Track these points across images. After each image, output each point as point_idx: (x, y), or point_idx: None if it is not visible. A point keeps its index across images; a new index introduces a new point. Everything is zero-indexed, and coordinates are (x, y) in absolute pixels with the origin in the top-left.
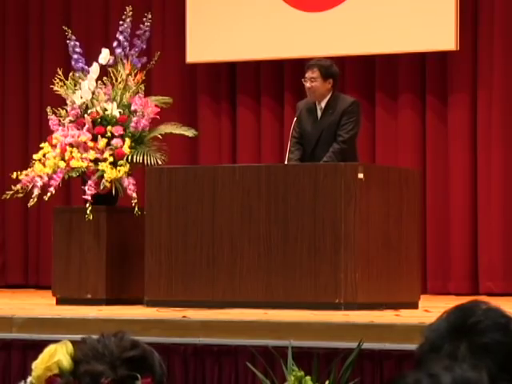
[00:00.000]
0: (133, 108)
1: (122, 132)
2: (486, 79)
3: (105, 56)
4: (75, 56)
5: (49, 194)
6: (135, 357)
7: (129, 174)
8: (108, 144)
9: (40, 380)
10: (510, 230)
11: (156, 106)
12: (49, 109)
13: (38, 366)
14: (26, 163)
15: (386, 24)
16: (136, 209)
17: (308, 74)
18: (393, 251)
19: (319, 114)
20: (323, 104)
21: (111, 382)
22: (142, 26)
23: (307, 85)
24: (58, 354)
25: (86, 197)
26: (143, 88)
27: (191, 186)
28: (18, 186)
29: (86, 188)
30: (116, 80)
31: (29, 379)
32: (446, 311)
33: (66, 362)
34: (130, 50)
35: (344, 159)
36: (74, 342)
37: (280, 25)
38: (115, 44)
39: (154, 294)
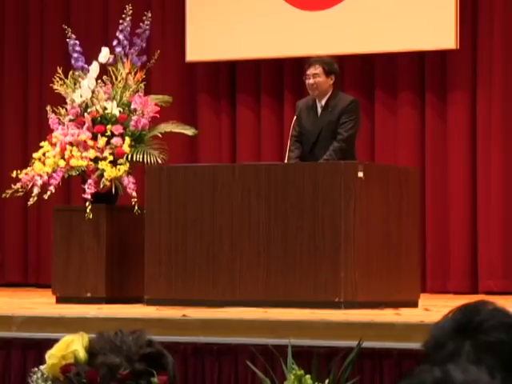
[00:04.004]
0: (133, 107)
1: (121, 131)
2: (485, 78)
3: (104, 55)
4: (75, 55)
5: (49, 193)
6: (152, 354)
7: (129, 173)
8: (108, 143)
9: (54, 368)
10: (509, 228)
11: (156, 104)
12: (48, 107)
13: (54, 354)
14: (26, 162)
15: (385, 22)
16: (136, 207)
17: (310, 71)
18: (392, 250)
19: (319, 111)
20: (323, 102)
21: (128, 374)
22: (141, 24)
23: (310, 81)
24: (74, 345)
25: (85, 196)
26: (143, 87)
27: (191, 184)
28: (18, 185)
29: (86, 187)
30: (116, 79)
31: (42, 367)
32: (452, 310)
33: (82, 353)
34: (129, 48)
35: (343, 158)
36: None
37: (280, 23)
38: (115, 43)
39: (153, 292)
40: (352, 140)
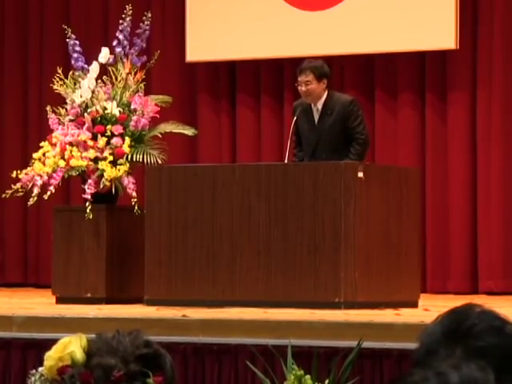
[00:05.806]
0: (133, 107)
1: (121, 131)
2: (485, 78)
3: (104, 55)
4: (75, 55)
5: (48, 193)
6: (148, 355)
7: (128, 173)
8: (108, 143)
9: (52, 370)
10: (509, 228)
11: (156, 104)
12: (48, 108)
13: (51, 356)
14: (26, 162)
15: (386, 23)
16: (136, 208)
17: (301, 78)
18: (392, 250)
19: (316, 116)
20: (319, 105)
21: (123, 375)
22: (141, 24)
23: (302, 88)
24: (72, 346)
25: (85, 196)
26: (143, 87)
27: (191, 184)
28: (18, 185)
29: (86, 187)
30: (116, 79)
31: (40, 369)
32: (440, 315)
33: (79, 354)
34: (129, 48)
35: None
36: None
37: (280, 24)
38: (115, 43)
39: (153, 292)
40: (369, 140)
